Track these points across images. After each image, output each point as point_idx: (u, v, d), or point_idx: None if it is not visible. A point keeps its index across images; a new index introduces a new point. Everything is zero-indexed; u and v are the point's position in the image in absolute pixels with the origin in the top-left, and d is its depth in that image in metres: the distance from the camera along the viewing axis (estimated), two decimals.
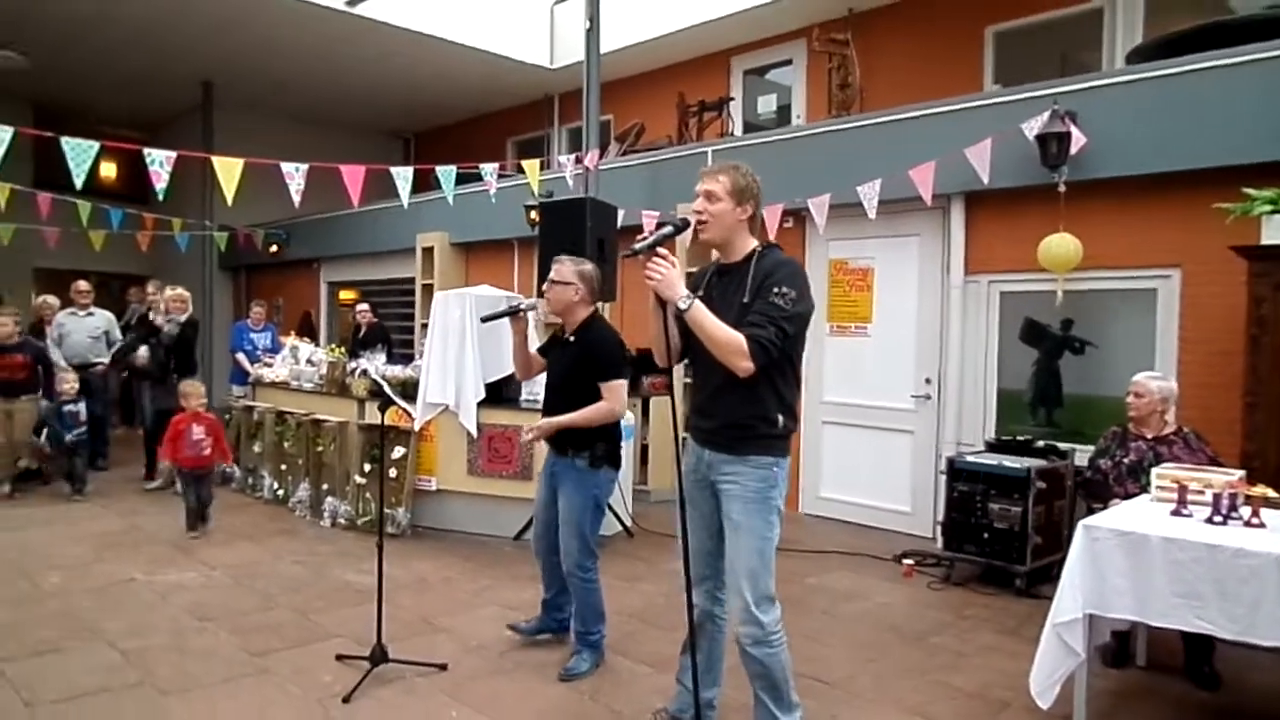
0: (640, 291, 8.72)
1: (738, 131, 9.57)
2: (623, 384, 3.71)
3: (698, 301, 2.74)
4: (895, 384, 6.47)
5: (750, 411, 2.83)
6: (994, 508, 5.06)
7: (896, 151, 6.09)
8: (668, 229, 2.87)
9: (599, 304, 6.89)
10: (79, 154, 5.44)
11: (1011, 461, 5.10)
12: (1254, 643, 3.00)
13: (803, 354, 2.93)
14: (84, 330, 8.34)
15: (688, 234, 2.99)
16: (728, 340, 2.70)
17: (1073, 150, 5.33)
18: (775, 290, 2.74)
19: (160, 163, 5.65)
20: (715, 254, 3.09)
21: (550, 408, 3.88)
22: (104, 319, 8.56)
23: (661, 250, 2.74)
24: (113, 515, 6.54)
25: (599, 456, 3.75)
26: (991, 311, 6.12)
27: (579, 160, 7.70)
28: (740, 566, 2.85)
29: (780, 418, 2.84)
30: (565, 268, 3.84)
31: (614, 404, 3.70)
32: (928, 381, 6.36)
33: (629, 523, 6.24)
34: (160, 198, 5.85)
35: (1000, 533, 5.03)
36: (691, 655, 2.90)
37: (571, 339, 3.85)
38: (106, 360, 8.44)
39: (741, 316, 2.77)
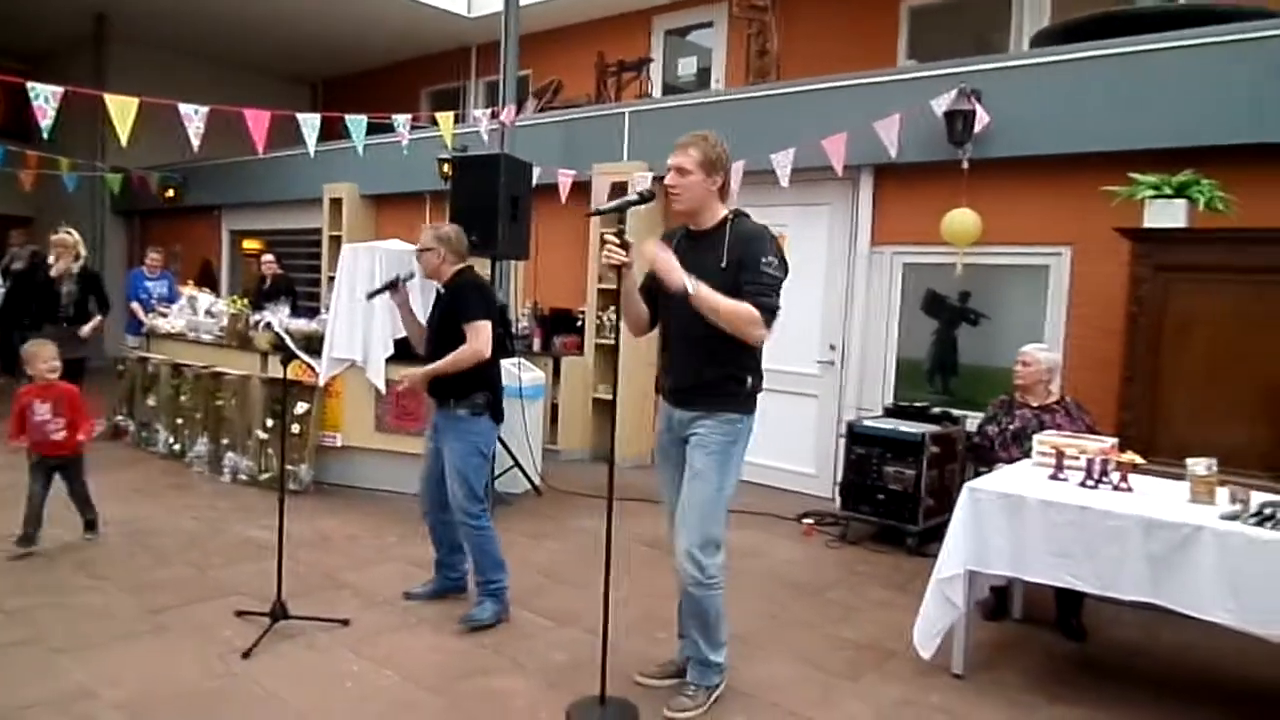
0: (556, 250, 8.68)
1: (656, 93, 9.54)
2: (484, 324, 3.78)
3: (702, 284, 2.83)
4: (801, 350, 6.63)
5: (721, 372, 2.98)
6: (889, 470, 5.27)
7: (811, 121, 6.19)
8: (632, 197, 3.05)
9: (500, 260, 6.80)
10: None
11: (907, 426, 5.32)
12: (1117, 597, 3.24)
13: None
14: None
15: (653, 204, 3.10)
16: (740, 313, 2.84)
17: (977, 128, 5.52)
18: (762, 260, 2.89)
19: (46, 98, 5.31)
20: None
21: (428, 359, 3.94)
22: None
23: (656, 246, 2.87)
24: None
25: (479, 405, 3.83)
26: (895, 282, 6.32)
27: (495, 115, 7.58)
28: (692, 510, 3.02)
29: (749, 378, 3.02)
30: (425, 234, 3.98)
31: (475, 343, 3.76)
32: (832, 348, 6.55)
33: (538, 481, 6.27)
34: (46, 136, 5.52)
35: (894, 494, 5.26)
36: (605, 591, 2.99)
37: (444, 293, 3.98)
38: None
39: (722, 281, 2.89)
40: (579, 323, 7.69)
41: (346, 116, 6.78)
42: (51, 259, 6.99)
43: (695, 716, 3.10)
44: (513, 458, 5.93)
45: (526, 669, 3.47)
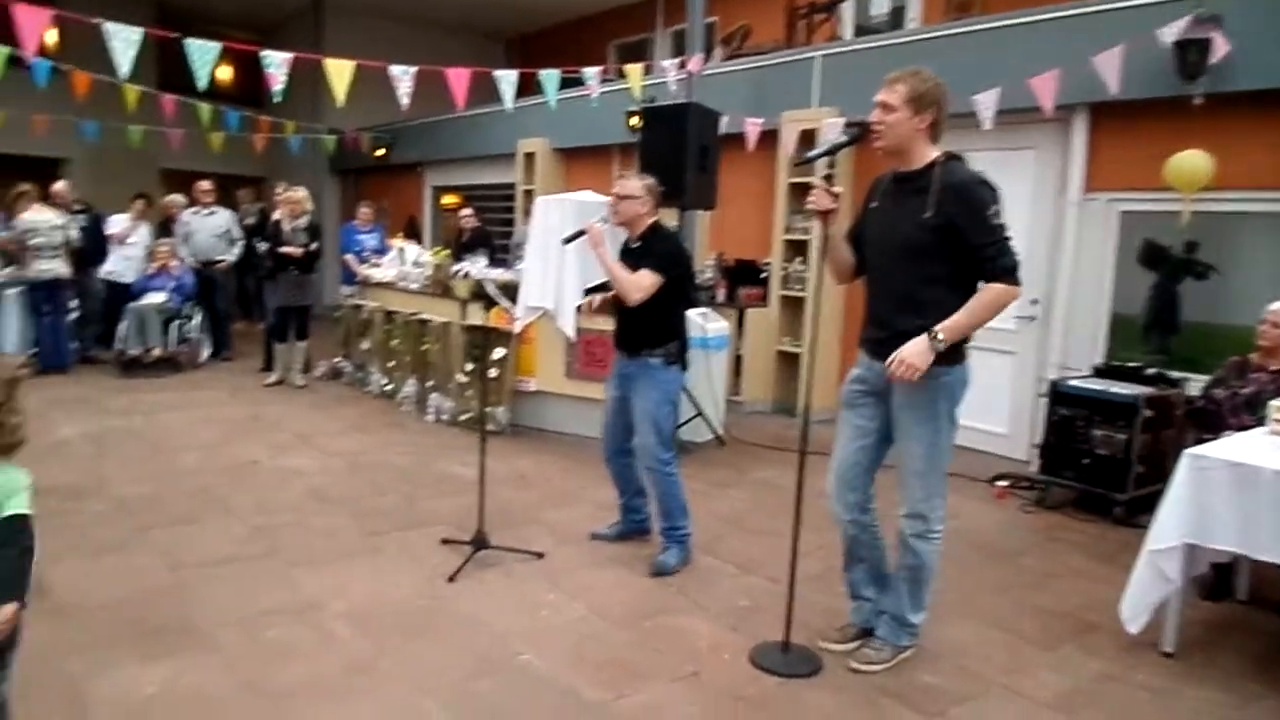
0: (741, 200, 8.59)
1: (848, 35, 9.18)
2: (656, 280, 3.80)
3: (941, 334, 2.77)
4: None
5: (920, 322, 2.85)
6: (1097, 434, 4.94)
7: (1017, 58, 5.77)
8: (842, 138, 2.97)
9: (695, 211, 6.83)
10: (202, 56, 5.64)
11: (1119, 388, 4.95)
12: None
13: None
14: (208, 229, 8.79)
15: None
16: (996, 302, 2.79)
17: (1213, 59, 4.96)
18: (988, 214, 2.77)
19: (277, 65, 5.81)
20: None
21: (622, 314, 4.00)
22: (226, 217, 9.00)
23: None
24: (238, 404, 7.00)
25: (672, 353, 3.91)
26: (1110, 231, 5.83)
27: (682, 65, 7.55)
28: (912, 469, 3.04)
29: None
30: (632, 183, 3.96)
31: (641, 283, 3.80)
32: (1034, 302, 6.15)
33: (720, 431, 6.34)
34: (277, 99, 6.03)
35: (1102, 459, 4.92)
36: (794, 538, 3.01)
37: (637, 245, 3.99)
38: (229, 257, 8.91)
39: (923, 231, 2.81)
40: (763, 274, 7.62)
41: (539, 72, 6.98)
42: (278, 214, 7.67)
43: (880, 671, 3.08)
44: (697, 407, 6.02)
45: (710, 611, 3.56)
